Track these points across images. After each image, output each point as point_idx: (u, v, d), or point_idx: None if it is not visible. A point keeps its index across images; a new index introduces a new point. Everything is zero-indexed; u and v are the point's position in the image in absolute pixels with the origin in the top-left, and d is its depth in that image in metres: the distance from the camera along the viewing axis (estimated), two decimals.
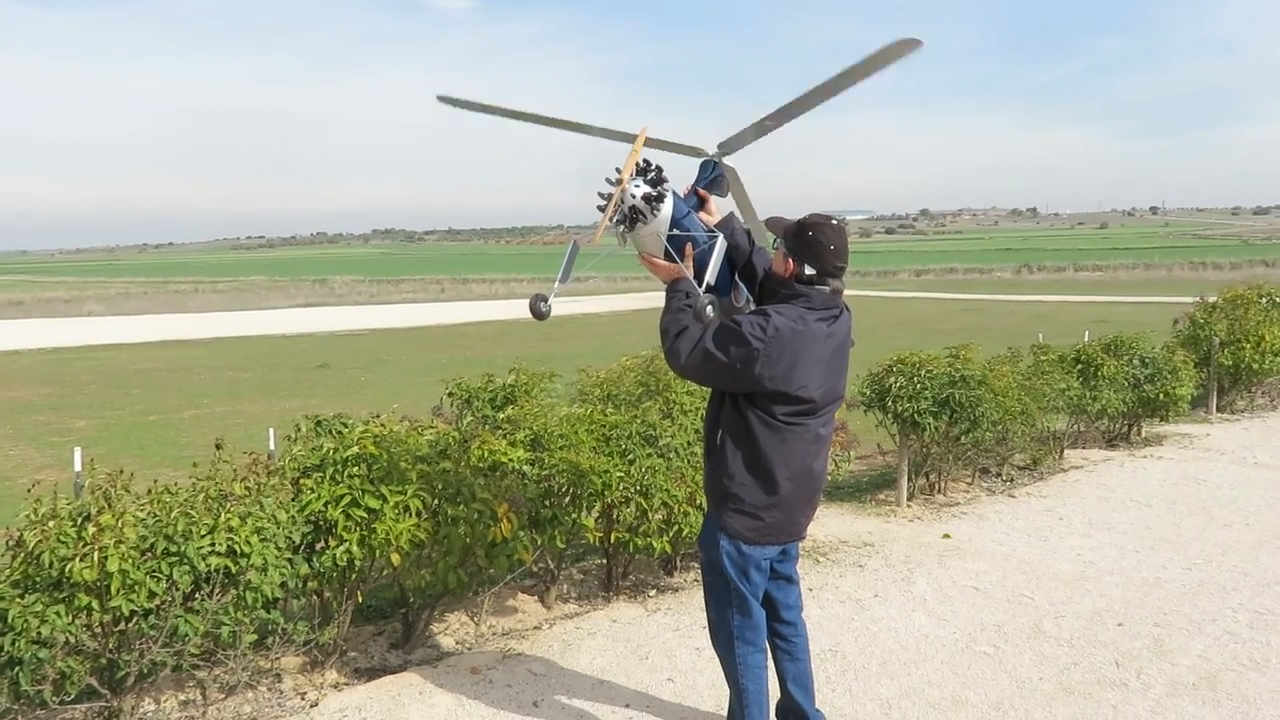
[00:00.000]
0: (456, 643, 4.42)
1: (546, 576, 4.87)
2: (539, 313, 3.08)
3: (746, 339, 2.82)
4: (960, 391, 6.48)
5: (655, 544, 4.64)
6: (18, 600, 3.11)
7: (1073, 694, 3.79)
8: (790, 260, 2.96)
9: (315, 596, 4.01)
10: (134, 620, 3.26)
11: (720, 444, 3.02)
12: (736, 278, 3.17)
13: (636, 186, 2.91)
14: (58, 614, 3.11)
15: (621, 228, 2.97)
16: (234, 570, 3.39)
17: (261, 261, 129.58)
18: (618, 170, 2.92)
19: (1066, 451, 8.39)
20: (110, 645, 3.28)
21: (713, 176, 3.19)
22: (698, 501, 4.59)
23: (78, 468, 3.78)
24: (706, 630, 3.25)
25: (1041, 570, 5.29)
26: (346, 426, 4.21)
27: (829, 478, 5.77)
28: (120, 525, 3.25)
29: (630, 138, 2.94)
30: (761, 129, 2.97)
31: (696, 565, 4.61)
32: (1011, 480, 7.53)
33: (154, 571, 3.26)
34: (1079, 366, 8.24)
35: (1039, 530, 6.11)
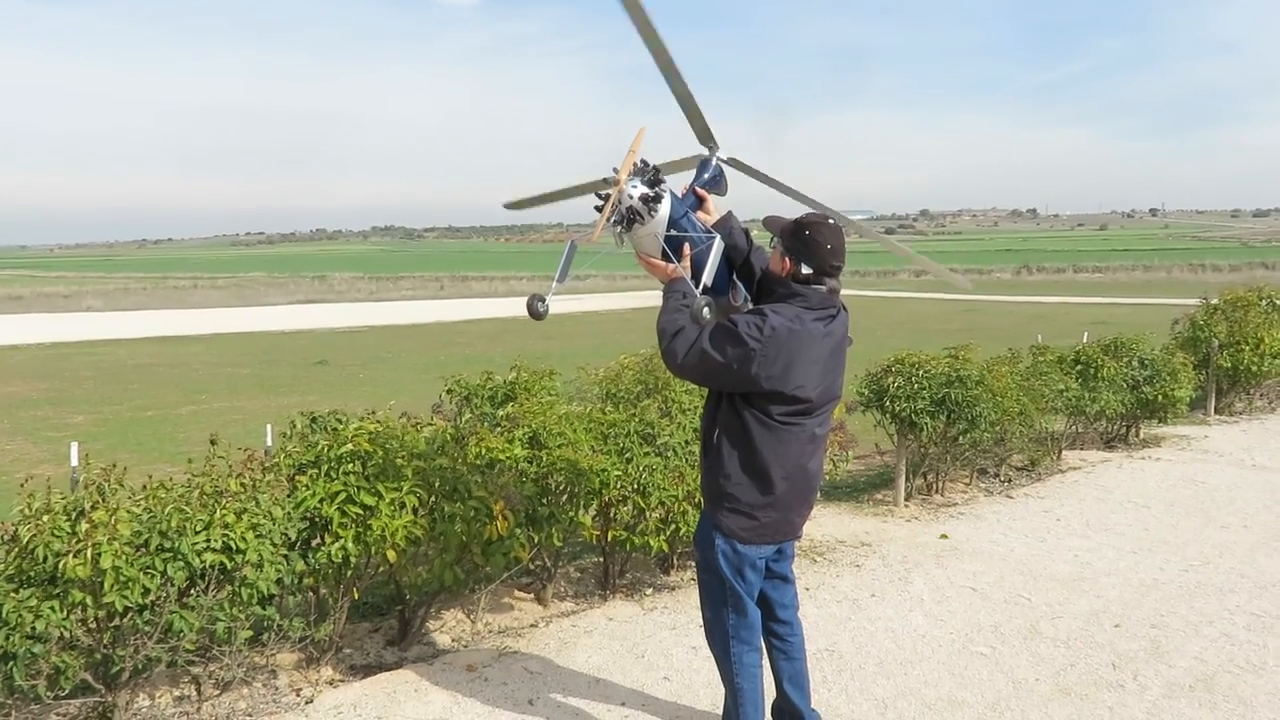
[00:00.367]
0: (452, 640, 4.42)
1: (543, 574, 4.86)
2: (536, 313, 3.07)
3: (743, 339, 2.82)
4: (957, 391, 6.47)
5: (652, 542, 4.64)
6: (12, 595, 3.10)
7: (1069, 695, 3.78)
8: (787, 259, 2.96)
9: (311, 593, 4.01)
10: (128, 616, 3.25)
11: (716, 443, 3.02)
12: (734, 277, 3.16)
13: (634, 187, 2.88)
14: (52, 609, 3.10)
15: (619, 228, 2.95)
16: (229, 566, 3.39)
17: (261, 258, 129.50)
18: (615, 170, 2.90)
19: (1064, 452, 8.39)
20: (105, 641, 3.28)
21: (711, 175, 3.18)
22: (695, 500, 4.58)
23: (74, 462, 3.77)
24: (702, 629, 3.25)
25: (1039, 571, 5.29)
26: (342, 423, 4.21)
27: (826, 478, 5.76)
28: (114, 521, 3.24)
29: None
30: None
31: (693, 564, 4.60)
32: (1009, 481, 7.52)
33: (148, 567, 3.25)
34: (1078, 367, 8.23)
35: (1036, 531, 6.10)
